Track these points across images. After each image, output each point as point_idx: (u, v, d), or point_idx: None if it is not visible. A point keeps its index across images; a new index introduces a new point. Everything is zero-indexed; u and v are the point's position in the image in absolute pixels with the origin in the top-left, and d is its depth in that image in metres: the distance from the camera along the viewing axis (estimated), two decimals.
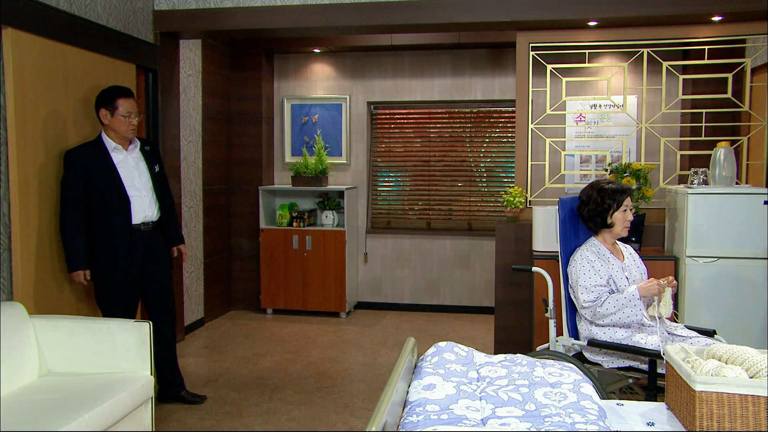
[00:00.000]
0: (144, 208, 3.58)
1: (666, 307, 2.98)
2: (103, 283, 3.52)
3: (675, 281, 3.02)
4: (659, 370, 2.78)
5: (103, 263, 3.49)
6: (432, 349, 2.47)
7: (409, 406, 2.02)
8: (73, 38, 3.74)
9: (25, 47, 3.40)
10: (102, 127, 3.55)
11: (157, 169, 3.72)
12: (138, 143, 3.65)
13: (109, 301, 3.52)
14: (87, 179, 3.44)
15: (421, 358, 2.45)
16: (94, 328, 3.06)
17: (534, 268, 3.45)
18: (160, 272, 3.70)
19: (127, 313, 3.52)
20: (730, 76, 4.35)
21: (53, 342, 3.04)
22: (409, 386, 2.19)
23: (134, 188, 3.54)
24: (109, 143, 3.52)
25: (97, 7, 3.98)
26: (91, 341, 3.05)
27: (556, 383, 2.14)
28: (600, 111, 5.26)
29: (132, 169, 3.57)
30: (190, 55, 5.41)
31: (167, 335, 3.78)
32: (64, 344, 3.05)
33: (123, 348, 3.04)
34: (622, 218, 3.10)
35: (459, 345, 2.52)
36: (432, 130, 6.32)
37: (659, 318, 3.00)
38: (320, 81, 6.39)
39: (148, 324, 3.06)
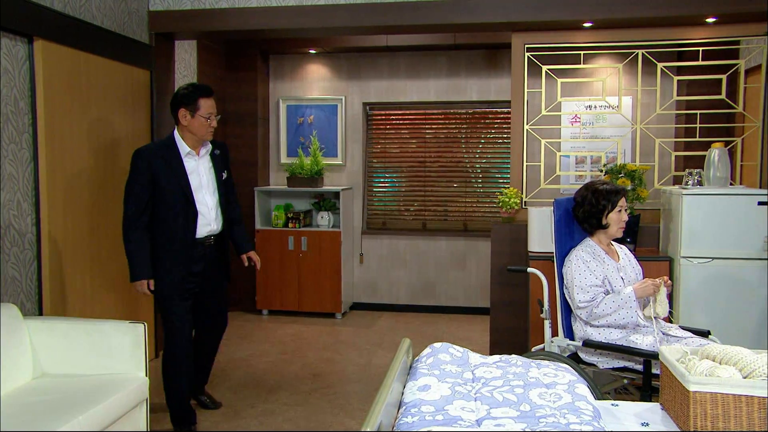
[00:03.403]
0: (210, 221, 3.40)
1: (662, 306, 2.97)
2: (159, 295, 3.38)
3: (669, 281, 3.03)
4: (654, 371, 2.79)
5: (160, 275, 3.33)
6: (427, 350, 2.47)
7: (404, 407, 2.02)
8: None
9: (53, 57, 3.54)
10: (177, 127, 3.33)
11: (224, 175, 3.51)
12: (209, 147, 3.44)
13: (167, 309, 3.37)
14: (155, 183, 3.23)
15: (416, 359, 2.45)
16: (89, 330, 3.06)
17: (529, 269, 3.46)
18: (216, 286, 3.56)
19: (186, 320, 3.39)
20: (724, 77, 4.37)
21: (47, 343, 3.03)
22: (404, 387, 2.19)
23: (203, 202, 3.36)
24: (183, 147, 3.31)
25: (91, 8, 3.97)
26: (86, 342, 3.04)
27: (551, 384, 2.14)
28: (595, 112, 5.27)
29: (202, 178, 3.38)
30: (186, 56, 5.40)
31: (210, 348, 3.73)
32: (58, 346, 3.04)
33: (118, 349, 3.03)
34: (616, 219, 3.10)
35: (454, 346, 2.52)
36: (427, 131, 6.33)
37: (655, 318, 3.00)
38: (316, 82, 6.39)
39: (143, 325, 3.05)
